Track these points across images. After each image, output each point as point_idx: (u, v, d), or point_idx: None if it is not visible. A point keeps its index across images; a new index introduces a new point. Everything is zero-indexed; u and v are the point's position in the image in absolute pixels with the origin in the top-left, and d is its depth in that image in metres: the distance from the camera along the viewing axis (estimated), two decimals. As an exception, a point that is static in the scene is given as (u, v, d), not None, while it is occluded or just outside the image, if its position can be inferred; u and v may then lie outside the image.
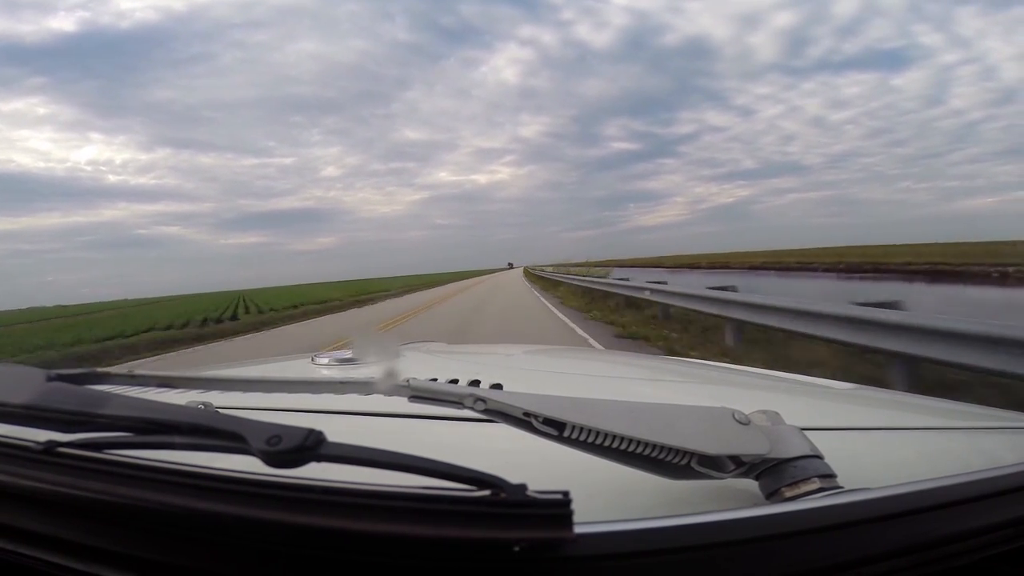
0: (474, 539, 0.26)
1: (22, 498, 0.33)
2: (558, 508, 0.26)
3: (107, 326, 16.34)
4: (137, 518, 0.31)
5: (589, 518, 0.27)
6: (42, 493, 0.32)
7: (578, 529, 0.26)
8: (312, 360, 0.96)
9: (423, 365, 0.99)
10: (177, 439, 0.32)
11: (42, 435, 0.34)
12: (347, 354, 0.92)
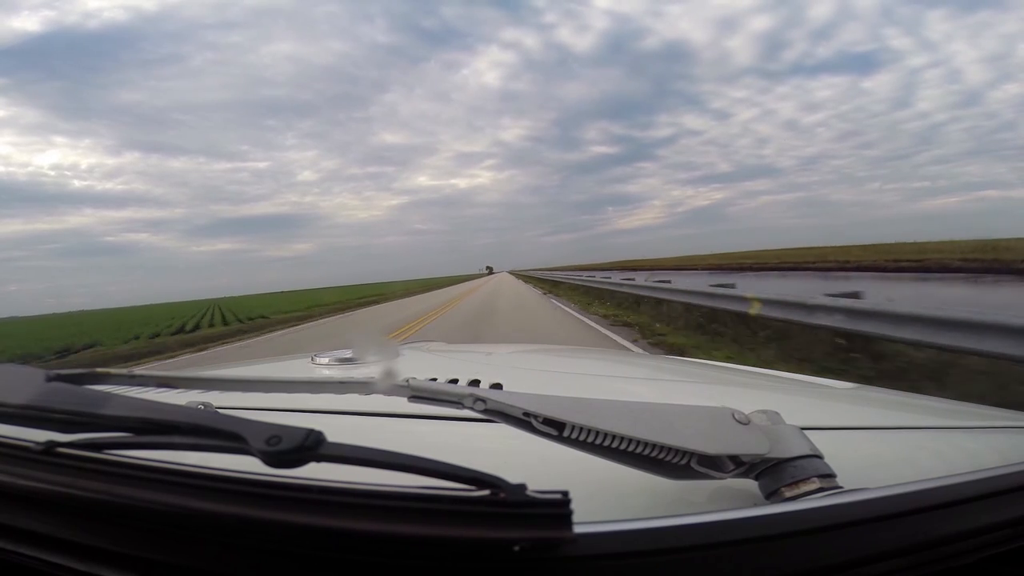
0: (474, 539, 0.26)
1: (22, 498, 0.33)
2: (558, 508, 0.26)
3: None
4: (137, 518, 0.31)
5: (589, 518, 0.27)
6: (42, 493, 0.32)
7: (578, 529, 0.26)
8: (312, 360, 0.96)
9: (423, 365, 0.99)
10: (177, 439, 0.32)
11: (41, 435, 0.34)
12: (347, 354, 0.92)
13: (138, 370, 0.47)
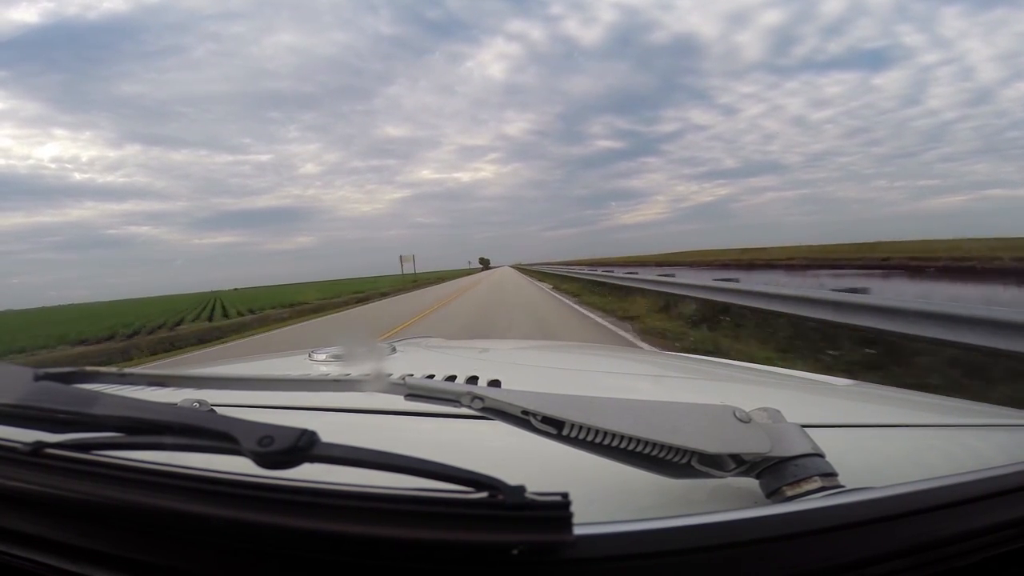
0: (471, 542, 0.25)
1: (10, 499, 0.33)
2: (557, 511, 0.25)
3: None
4: (126, 520, 0.30)
5: (589, 518, 0.27)
6: (30, 495, 0.32)
7: (578, 531, 0.25)
8: (309, 357, 0.95)
9: (421, 362, 0.99)
10: (167, 440, 0.31)
11: (30, 435, 0.34)
12: (344, 351, 0.92)
13: (129, 368, 0.46)
